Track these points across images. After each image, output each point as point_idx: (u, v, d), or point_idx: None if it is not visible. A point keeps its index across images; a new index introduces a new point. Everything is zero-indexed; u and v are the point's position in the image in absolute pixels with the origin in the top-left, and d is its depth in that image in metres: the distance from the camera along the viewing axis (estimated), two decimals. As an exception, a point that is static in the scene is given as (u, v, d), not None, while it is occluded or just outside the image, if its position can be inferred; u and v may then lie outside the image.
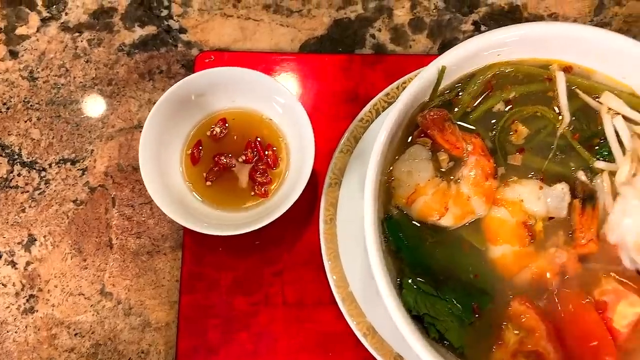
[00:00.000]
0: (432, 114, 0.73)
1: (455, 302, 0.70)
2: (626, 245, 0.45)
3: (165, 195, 0.86)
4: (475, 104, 0.77)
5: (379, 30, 1.07)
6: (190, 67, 1.05)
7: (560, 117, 0.76)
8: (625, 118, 0.75)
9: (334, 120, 1.00)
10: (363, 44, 1.07)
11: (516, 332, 0.70)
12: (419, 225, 0.73)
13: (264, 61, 1.03)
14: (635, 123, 0.75)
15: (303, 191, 0.87)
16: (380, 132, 0.68)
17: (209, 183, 0.92)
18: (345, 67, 1.03)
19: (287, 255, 0.96)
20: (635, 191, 0.45)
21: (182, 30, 1.08)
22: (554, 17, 1.08)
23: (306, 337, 0.93)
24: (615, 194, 0.72)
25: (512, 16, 1.08)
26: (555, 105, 0.77)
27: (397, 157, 0.75)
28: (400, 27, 1.07)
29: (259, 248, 0.96)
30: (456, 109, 0.76)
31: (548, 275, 0.72)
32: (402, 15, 1.08)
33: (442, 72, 0.71)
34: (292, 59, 1.04)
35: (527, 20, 1.08)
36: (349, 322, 0.87)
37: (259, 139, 0.93)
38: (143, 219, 0.99)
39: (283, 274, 0.95)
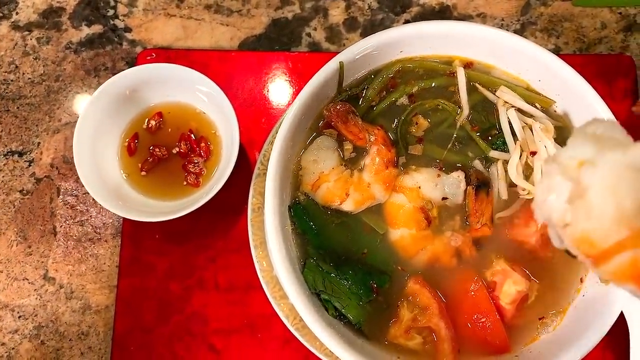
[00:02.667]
0: (335, 106, 0.78)
1: (354, 281, 0.75)
2: (552, 223, 0.47)
3: (101, 186, 0.91)
4: (380, 99, 0.82)
5: (315, 29, 1.12)
6: (133, 64, 1.10)
7: (460, 110, 0.81)
8: (520, 111, 0.80)
9: (268, 114, 1.06)
10: (299, 43, 1.12)
11: (411, 309, 0.75)
12: (324, 210, 0.79)
13: (203, 58, 1.08)
14: (529, 115, 0.80)
15: (237, 180, 0.93)
16: (283, 122, 0.74)
17: (143, 173, 0.97)
18: (280, 64, 1.08)
19: (220, 242, 1.01)
20: (559, 167, 0.46)
21: (127, 29, 1.13)
22: (482, 17, 1.13)
23: (237, 319, 0.98)
24: (509, 182, 0.78)
25: (442, 16, 1.13)
26: (456, 99, 0.82)
27: (305, 148, 0.80)
28: (335, 27, 1.13)
29: (194, 235, 1.01)
30: (362, 103, 0.81)
31: (444, 257, 0.77)
32: (337, 15, 1.13)
33: (341, 67, 0.76)
34: (230, 56, 1.09)
35: (457, 19, 1.13)
36: (273, 304, 0.91)
37: (192, 131, 0.99)
38: (86, 207, 1.04)
39: (216, 260, 1.00)
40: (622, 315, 0.92)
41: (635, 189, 0.43)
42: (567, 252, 0.49)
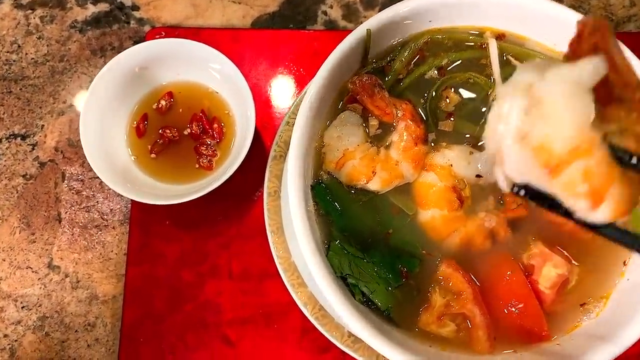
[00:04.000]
0: (361, 79, 0.73)
1: (382, 265, 0.70)
2: (501, 157, 0.45)
3: (108, 168, 0.87)
4: (408, 72, 0.77)
5: (331, 7, 1.08)
6: (141, 43, 1.05)
7: (492, 84, 0.76)
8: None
9: (284, 94, 1.01)
10: (315, 21, 1.07)
11: (443, 295, 0.70)
12: (348, 190, 0.74)
13: (215, 37, 1.04)
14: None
15: (251, 164, 0.88)
16: (306, 96, 0.69)
17: (153, 156, 0.92)
18: (295, 43, 1.03)
19: (234, 228, 0.96)
20: (511, 87, 0.45)
21: (135, 8, 1.08)
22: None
23: (252, 308, 0.93)
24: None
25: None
26: (488, 72, 0.77)
27: (328, 124, 0.75)
28: (352, 4, 1.08)
29: (206, 221, 0.96)
30: (389, 77, 0.76)
31: (477, 239, 0.72)
32: (354, -9, 1.08)
33: (368, 36, 0.71)
34: (242, 35, 1.04)
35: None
36: (290, 291, 0.87)
37: (204, 112, 0.94)
38: (92, 193, 0.99)
39: (230, 247, 0.95)
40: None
41: (581, 101, 0.44)
42: (515, 191, 0.49)
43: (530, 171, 0.45)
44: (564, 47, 0.77)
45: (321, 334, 0.85)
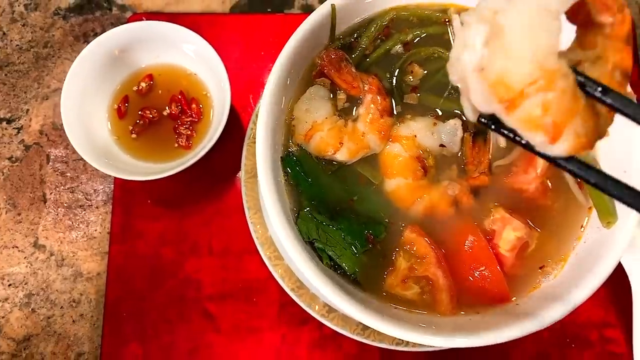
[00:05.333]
0: (329, 54, 0.76)
1: (349, 232, 0.73)
2: (466, 88, 0.44)
3: (90, 148, 0.89)
4: (374, 47, 0.80)
5: (308, -9, 1.11)
6: (123, 29, 1.08)
7: (455, 58, 0.79)
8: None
9: (260, 76, 1.04)
10: (292, 5, 1.10)
11: (407, 259, 0.73)
12: (317, 161, 0.76)
13: (195, 23, 1.06)
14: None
15: (230, 145, 0.91)
16: (272, 70, 0.72)
17: (134, 136, 0.95)
18: (273, 26, 1.06)
19: (214, 206, 0.99)
20: (476, 15, 0.43)
21: (117, -6, 1.11)
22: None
23: (231, 283, 0.96)
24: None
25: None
26: (451, 47, 0.80)
27: (298, 98, 0.78)
28: (328, -11, 1.10)
29: (187, 200, 0.99)
30: (356, 52, 0.79)
31: (441, 206, 0.75)
32: (330, -23, 1.11)
33: (333, 11, 0.74)
34: (222, 20, 1.07)
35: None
36: (268, 265, 0.90)
37: (183, 93, 0.97)
38: (76, 174, 1.02)
39: (210, 225, 0.98)
40: (624, 272, 0.91)
41: (547, 29, 0.42)
42: (482, 122, 0.47)
43: (490, 104, 0.44)
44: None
45: (299, 307, 0.88)
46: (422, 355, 0.93)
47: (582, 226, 0.74)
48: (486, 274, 0.73)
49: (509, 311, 0.71)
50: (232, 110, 0.97)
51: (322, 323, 0.87)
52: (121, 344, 0.93)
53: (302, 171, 0.75)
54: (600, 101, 0.44)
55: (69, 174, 1.02)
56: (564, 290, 0.69)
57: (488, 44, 0.42)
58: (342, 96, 0.77)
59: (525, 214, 0.76)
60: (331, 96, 0.78)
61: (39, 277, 0.98)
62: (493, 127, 0.47)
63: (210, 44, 0.90)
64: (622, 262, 0.90)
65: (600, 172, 0.46)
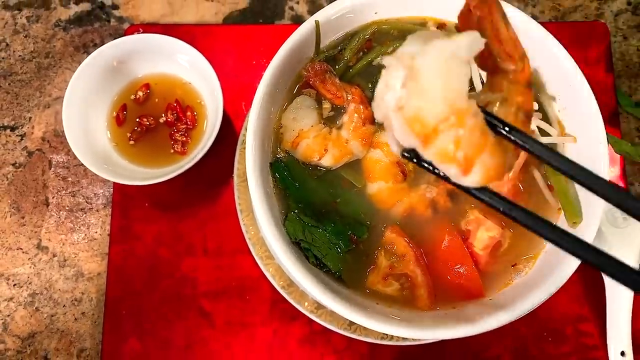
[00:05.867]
0: (314, 66, 0.81)
1: (333, 233, 0.78)
2: (390, 125, 0.49)
3: (90, 154, 0.94)
4: (357, 59, 0.85)
5: (297, 2, 1.16)
6: (121, 39, 1.13)
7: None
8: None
9: (252, 85, 1.08)
10: (282, 16, 1.15)
11: (388, 257, 0.78)
12: (304, 166, 0.82)
13: (189, 33, 1.11)
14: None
15: (223, 151, 0.96)
16: (260, 83, 0.77)
17: (132, 142, 1.00)
18: (264, 37, 1.11)
19: (208, 209, 1.04)
20: (396, 59, 0.47)
21: (115, 7, 1.16)
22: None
23: (225, 282, 1.01)
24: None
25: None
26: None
27: (285, 107, 0.83)
28: (317, 0, 1.16)
29: (182, 204, 1.04)
30: (340, 64, 0.84)
31: (419, 208, 0.80)
32: (319, -12, 1.16)
33: (317, 26, 0.79)
34: (215, 31, 1.12)
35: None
36: (260, 264, 0.95)
37: (178, 101, 1.02)
38: (77, 179, 1.07)
39: (204, 227, 1.03)
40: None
41: (458, 73, 0.46)
42: (405, 156, 0.51)
43: (409, 139, 0.49)
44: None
45: (289, 304, 0.93)
46: (406, 348, 0.98)
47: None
48: (462, 271, 0.78)
49: (484, 305, 0.76)
50: (225, 117, 1.02)
51: (311, 319, 0.92)
52: (121, 340, 0.98)
53: (290, 176, 0.80)
54: (507, 138, 0.49)
55: (70, 179, 1.07)
56: (534, 285, 0.74)
57: (406, 85, 0.47)
58: (327, 105, 0.82)
59: (498, 215, 0.80)
60: (317, 106, 0.83)
61: (43, 278, 1.03)
62: (415, 160, 0.51)
63: (204, 53, 0.96)
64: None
65: (507, 201, 0.52)
